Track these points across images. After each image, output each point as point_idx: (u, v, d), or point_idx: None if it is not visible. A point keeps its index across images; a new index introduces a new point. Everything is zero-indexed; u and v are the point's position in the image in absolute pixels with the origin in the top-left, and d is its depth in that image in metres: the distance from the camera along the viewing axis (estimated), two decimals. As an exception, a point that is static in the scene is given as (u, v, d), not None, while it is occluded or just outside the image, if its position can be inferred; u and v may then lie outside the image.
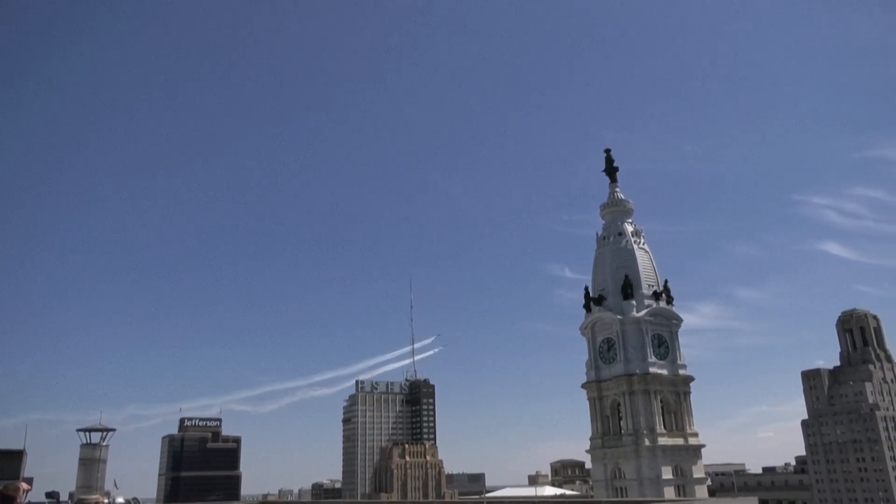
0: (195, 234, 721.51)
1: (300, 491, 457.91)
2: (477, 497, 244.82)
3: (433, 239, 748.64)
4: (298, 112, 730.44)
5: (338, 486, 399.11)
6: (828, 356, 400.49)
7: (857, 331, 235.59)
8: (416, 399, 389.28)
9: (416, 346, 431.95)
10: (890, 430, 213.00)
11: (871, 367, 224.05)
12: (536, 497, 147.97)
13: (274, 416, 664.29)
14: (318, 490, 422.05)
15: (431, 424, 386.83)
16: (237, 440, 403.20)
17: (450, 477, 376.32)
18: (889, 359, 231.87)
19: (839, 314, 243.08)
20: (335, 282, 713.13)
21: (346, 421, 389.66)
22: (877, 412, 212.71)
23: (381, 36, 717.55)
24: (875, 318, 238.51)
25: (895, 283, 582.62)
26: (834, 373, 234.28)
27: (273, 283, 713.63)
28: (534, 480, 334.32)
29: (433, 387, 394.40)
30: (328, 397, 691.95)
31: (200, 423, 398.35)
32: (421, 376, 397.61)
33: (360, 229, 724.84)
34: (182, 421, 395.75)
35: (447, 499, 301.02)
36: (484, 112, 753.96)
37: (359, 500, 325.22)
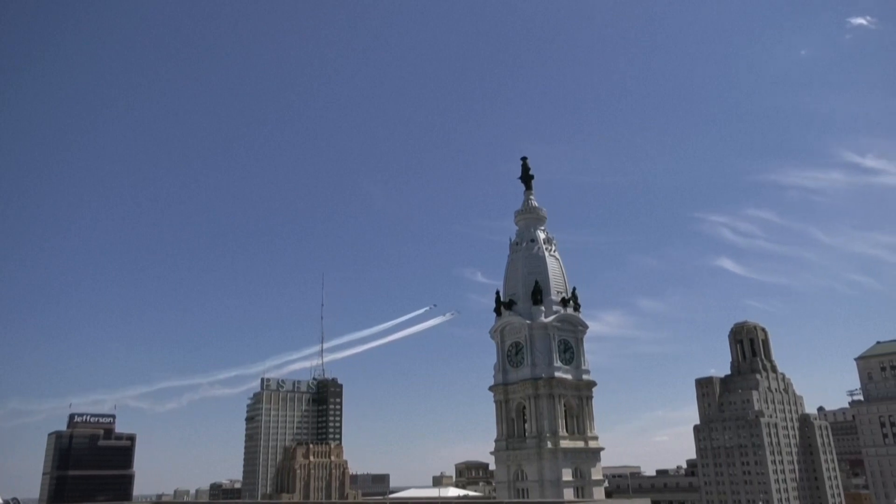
0: (91, 222, 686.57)
1: (197, 491, 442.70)
2: (380, 498, 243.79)
3: (347, 239, 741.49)
4: (210, 107, 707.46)
5: (238, 486, 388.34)
6: (720, 365, 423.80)
7: (746, 342, 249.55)
8: (323, 398, 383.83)
9: (326, 345, 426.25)
10: (772, 435, 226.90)
11: (758, 376, 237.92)
12: (439, 498, 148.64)
13: (173, 414, 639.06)
14: (217, 490, 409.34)
15: (338, 424, 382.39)
16: (132, 438, 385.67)
17: (354, 477, 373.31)
18: (774, 369, 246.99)
19: (731, 326, 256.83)
20: (243, 278, 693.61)
21: (249, 419, 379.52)
22: (761, 419, 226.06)
23: (302, 36, 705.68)
24: (763, 330, 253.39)
25: (782, 298, 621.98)
26: (725, 381, 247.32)
27: (175, 277, 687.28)
28: (438, 481, 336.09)
29: (341, 386, 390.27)
30: (232, 396, 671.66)
31: (92, 420, 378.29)
32: (329, 376, 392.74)
33: (272, 227, 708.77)
34: (71, 417, 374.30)
35: (350, 499, 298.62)
36: (401, 114, 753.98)
37: (259, 500, 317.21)
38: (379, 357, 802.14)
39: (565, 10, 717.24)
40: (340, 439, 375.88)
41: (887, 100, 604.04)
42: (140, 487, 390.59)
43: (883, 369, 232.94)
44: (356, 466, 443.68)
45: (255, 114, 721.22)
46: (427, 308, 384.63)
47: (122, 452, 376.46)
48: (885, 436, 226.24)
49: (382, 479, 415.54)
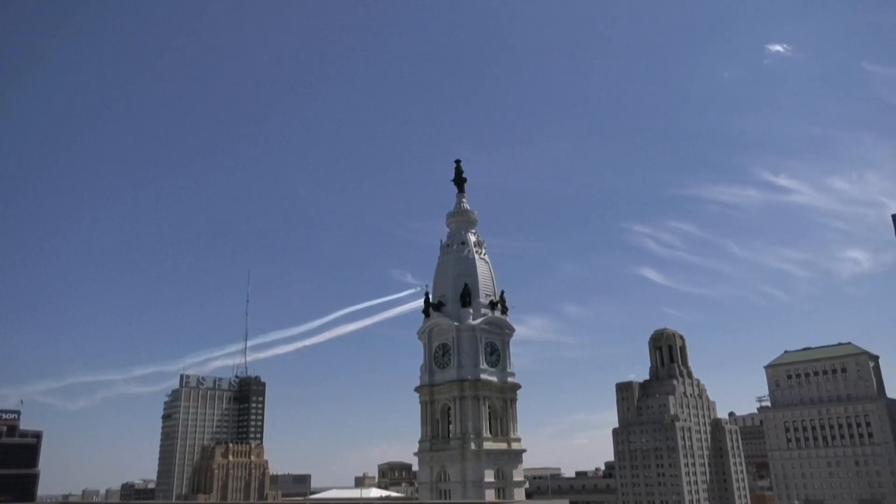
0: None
1: (108, 491, 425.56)
2: (300, 499, 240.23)
3: (275, 236, 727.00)
4: (145, 99, 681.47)
5: (151, 486, 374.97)
6: (640, 370, 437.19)
7: (665, 348, 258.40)
8: (245, 397, 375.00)
9: (252, 343, 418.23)
10: (686, 439, 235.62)
11: (674, 381, 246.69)
12: (361, 499, 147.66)
13: (86, 412, 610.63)
14: (129, 490, 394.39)
15: (259, 424, 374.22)
16: (38, 435, 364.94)
17: (274, 478, 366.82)
18: (690, 375, 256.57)
19: (652, 333, 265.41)
20: (163, 271, 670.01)
21: (166, 417, 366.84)
22: (676, 423, 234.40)
23: (231, 32, 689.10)
24: (681, 337, 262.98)
25: (699, 307, 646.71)
26: (644, 386, 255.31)
27: (89, 266, 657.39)
28: (360, 482, 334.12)
29: (264, 385, 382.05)
30: (150, 394, 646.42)
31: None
32: (253, 374, 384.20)
33: (198, 221, 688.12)
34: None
35: (269, 500, 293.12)
36: (334, 114, 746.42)
37: (173, 500, 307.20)
38: (305, 357, 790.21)
39: (502, 19, 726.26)
40: (262, 439, 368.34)
41: (800, 123, 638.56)
42: (46, 487, 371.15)
43: (790, 377, 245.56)
44: (277, 467, 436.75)
45: (189, 107, 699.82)
46: (417, 288, 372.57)
47: (27, 450, 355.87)
48: (788, 440, 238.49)
49: (304, 480, 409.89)
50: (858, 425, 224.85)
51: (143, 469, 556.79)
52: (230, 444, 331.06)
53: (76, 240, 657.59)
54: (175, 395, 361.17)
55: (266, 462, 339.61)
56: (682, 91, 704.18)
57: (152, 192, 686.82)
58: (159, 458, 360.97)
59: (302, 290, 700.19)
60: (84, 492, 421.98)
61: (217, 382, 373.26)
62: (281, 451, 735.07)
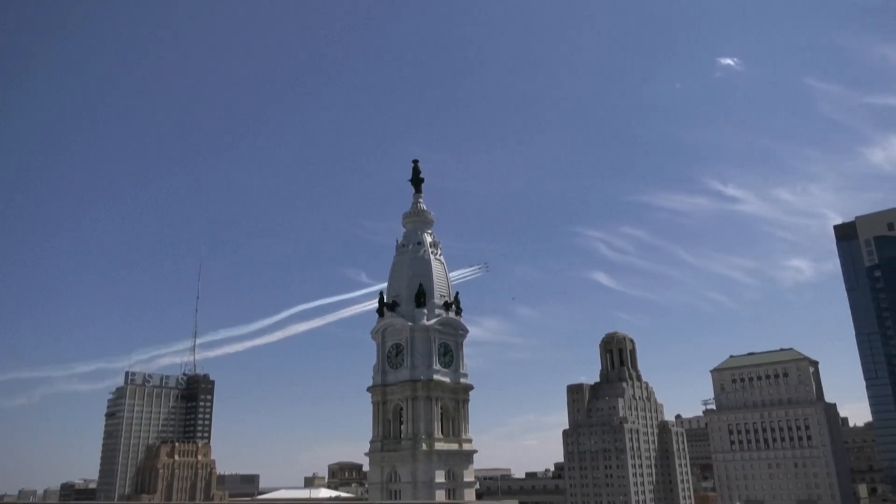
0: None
1: (46, 491, 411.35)
2: (248, 499, 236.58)
3: (227, 233, 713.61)
4: (88, 90, 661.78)
5: (93, 486, 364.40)
6: (590, 373, 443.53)
7: (615, 351, 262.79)
8: (193, 395, 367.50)
9: (202, 340, 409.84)
10: (634, 440, 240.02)
11: (624, 384, 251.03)
12: (310, 499, 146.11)
13: (24, 410, 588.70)
14: (69, 490, 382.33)
15: (207, 422, 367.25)
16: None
17: (222, 478, 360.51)
18: (639, 378, 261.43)
19: (602, 336, 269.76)
20: (108, 265, 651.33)
21: (109, 415, 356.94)
22: (625, 425, 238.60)
23: (179, 25, 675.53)
24: (631, 341, 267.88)
25: (648, 312, 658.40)
26: (594, 388, 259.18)
27: (28, 258, 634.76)
28: (310, 482, 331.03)
29: (213, 383, 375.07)
30: (93, 392, 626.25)
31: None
32: (202, 372, 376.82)
33: (146, 214, 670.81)
34: None
35: (215, 500, 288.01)
36: (290, 110, 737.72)
37: (115, 501, 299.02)
38: (256, 356, 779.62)
39: (465, 23, 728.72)
40: (209, 438, 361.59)
41: (748, 135, 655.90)
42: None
43: (734, 381, 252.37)
44: (225, 467, 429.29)
45: (137, 101, 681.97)
46: (479, 266, 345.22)
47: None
48: (732, 442, 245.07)
49: (252, 480, 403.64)
50: (798, 428, 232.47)
51: (85, 469, 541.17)
52: (176, 444, 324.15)
53: (20, 232, 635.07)
54: (120, 393, 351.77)
55: (213, 462, 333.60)
56: (635, 100, 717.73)
57: (99, 185, 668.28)
58: (102, 458, 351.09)
59: (254, 288, 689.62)
60: (20, 492, 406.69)
61: (164, 380, 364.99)
62: (229, 451, 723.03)
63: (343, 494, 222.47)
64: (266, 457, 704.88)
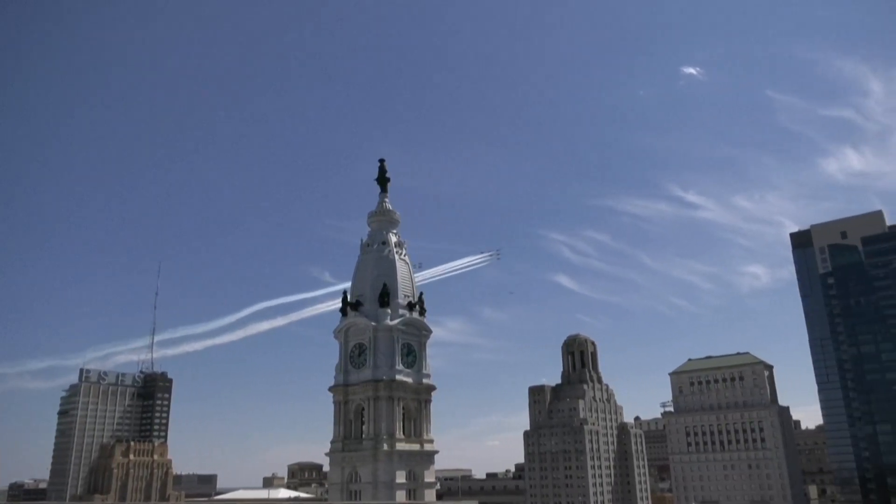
0: None
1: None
2: (204, 499, 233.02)
3: (188, 229, 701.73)
4: (33, 82, 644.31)
5: (43, 486, 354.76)
6: (552, 374, 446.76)
7: (577, 353, 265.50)
8: (150, 393, 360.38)
9: (162, 338, 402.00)
10: (594, 442, 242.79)
11: (585, 386, 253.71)
12: (268, 499, 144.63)
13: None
14: (17, 490, 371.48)
15: (164, 421, 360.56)
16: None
17: (178, 478, 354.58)
18: (600, 380, 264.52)
19: (565, 338, 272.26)
20: (68, 261, 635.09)
21: (62, 413, 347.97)
22: (585, 426, 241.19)
23: (130, 18, 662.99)
24: (593, 343, 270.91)
25: (609, 315, 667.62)
26: (556, 389, 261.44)
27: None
28: (269, 482, 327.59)
29: (171, 381, 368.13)
30: (46, 390, 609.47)
31: None
32: (160, 370, 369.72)
33: (104, 211, 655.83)
34: None
35: (171, 501, 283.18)
36: (255, 105, 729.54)
37: (66, 502, 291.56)
38: (216, 354, 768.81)
39: (434, 25, 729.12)
40: (166, 437, 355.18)
41: (709, 143, 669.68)
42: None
43: (692, 384, 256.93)
44: (182, 467, 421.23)
45: (98, 94, 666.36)
46: (491, 253, 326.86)
47: None
48: (689, 444, 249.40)
49: (209, 480, 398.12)
50: (752, 431, 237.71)
51: (35, 468, 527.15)
52: (132, 443, 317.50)
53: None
54: (73, 391, 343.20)
55: (170, 461, 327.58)
56: (600, 106, 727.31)
57: (56, 179, 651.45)
58: (53, 457, 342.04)
59: (215, 286, 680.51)
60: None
61: (120, 378, 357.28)
62: (187, 451, 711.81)
63: (302, 495, 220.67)
64: (225, 457, 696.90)
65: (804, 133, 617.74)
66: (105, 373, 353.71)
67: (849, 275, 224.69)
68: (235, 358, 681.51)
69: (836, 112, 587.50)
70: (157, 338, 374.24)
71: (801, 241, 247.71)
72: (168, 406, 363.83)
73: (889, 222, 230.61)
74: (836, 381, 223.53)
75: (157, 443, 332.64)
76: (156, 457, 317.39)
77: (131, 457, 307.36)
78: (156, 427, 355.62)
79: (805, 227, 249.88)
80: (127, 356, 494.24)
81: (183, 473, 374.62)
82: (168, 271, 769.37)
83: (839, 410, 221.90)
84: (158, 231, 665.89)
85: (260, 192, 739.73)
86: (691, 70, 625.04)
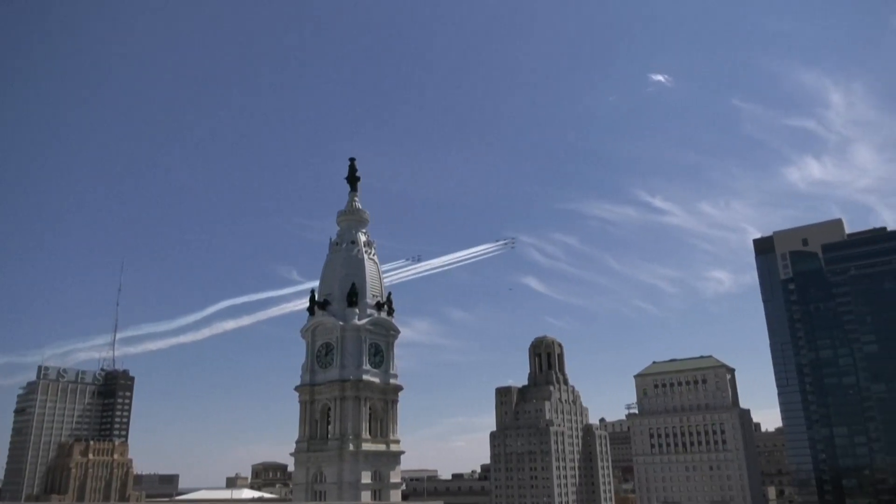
0: None
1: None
2: (165, 500, 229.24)
3: (155, 226, 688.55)
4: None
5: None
6: (519, 376, 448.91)
7: (544, 355, 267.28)
8: (111, 391, 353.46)
9: (126, 335, 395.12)
10: (559, 443, 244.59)
11: (551, 387, 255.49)
12: (231, 499, 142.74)
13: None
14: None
15: (125, 420, 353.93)
16: None
17: (139, 477, 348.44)
18: (566, 381, 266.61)
19: (532, 340, 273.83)
20: (28, 255, 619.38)
21: (19, 412, 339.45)
22: (551, 427, 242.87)
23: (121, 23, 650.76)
24: (560, 345, 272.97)
25: (577, 317, 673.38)
26: (522, 391, 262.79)
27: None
28: (232, 483, 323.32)
29: (133, 379, 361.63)
30: (2, 386, 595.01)
31: None
32: (122, 367, 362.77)
33: (66, 208, 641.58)
34: None
35: (131, 501, 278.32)
36: (222, 103, 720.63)
37: (22, 502, 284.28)
38: (180, 352, 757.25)
39: (405, 27, 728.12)
40: (127, 437, 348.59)
41: (677, 150, 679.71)
42: None
43: (656, 386, 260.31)
44: (144, 466, 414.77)
45: (64, 88, 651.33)
46: (505, 241, 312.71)
47: None
48: (652, 446, 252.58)
49: (171, 480, 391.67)
50: (714, 433, 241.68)
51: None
52: (91, 442, 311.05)
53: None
54: (31, 388, 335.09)
55: (130, 461, 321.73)
56: (570, 111, 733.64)
57: (18, 172, 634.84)
58: (9, 456, 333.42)
59: (181, 283, 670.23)
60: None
61: (80, 375, 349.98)
62: (149, 451, 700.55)
63: (266, 495, 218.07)
64: (188, 457, 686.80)
65: (768, 142, 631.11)
66: (65, 370, 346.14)
67: (809, 281, 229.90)
68: (200, 356, 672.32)
69: (799, 122, 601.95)
70: (119, 335, 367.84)
71: (763, 248, 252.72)
72: (129, 405, 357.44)
73: (848, 230, 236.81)
74: (795, 384, 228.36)
75: (117, 442, 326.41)
76: (116, 456, 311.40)
77: (90, 456, 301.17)
78: (116, 426, 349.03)
79: (768, 233, 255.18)
80: (88, 353, 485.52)
81: (144, 473, 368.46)
82: (132, 267, 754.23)
83: (798, 413, 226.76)
84: (122, 226, 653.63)
85: (229, 188, 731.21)
86: (660, 77, 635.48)
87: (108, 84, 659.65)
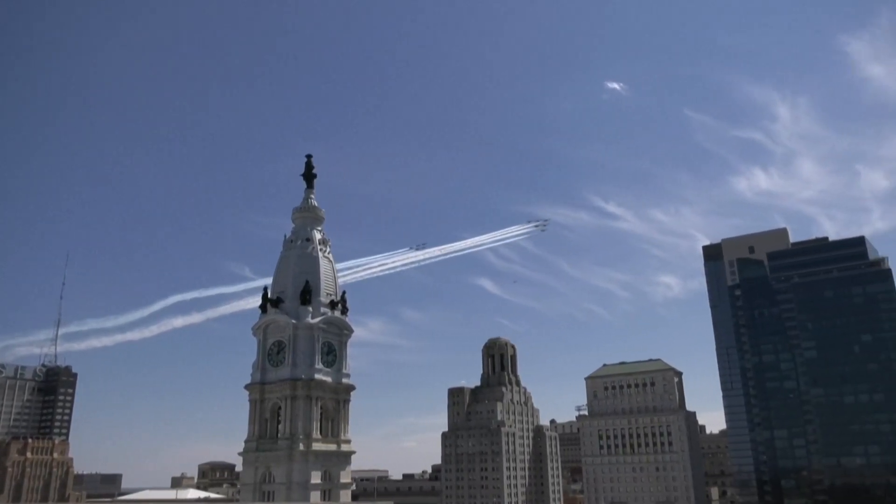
0: None
1: None
2: (107, 500, 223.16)
3: (101, 217, 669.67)
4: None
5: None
6: (472, 376, 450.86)
7: (497, 356, 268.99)
8: (52, 388, 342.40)
9: (69, 330, 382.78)
10: (510, 444, 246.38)
11: (503, 388, 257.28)
12: (175, 500, 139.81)
13: None
14: None
15: (66, 418, 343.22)
16: None
17: (80, 477, 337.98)
18: (518, 383, 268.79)
19: (485, 341, 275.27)
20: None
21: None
22: (502, 428, 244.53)
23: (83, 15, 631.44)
24: (512, 346, 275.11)
25: (529, 320, 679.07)
26: (474, 392, 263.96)
27: None
28: (178, 482, 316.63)
29: (75, 376, 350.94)
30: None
31: None
32: (63, 363, 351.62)
33: (7, 198, 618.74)
34: None
35: (70, 501, 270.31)
36: (177, 99, 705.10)
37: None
38: (125, 348, 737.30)
39: (365, 26, 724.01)
40: (68, 435, 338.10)
41: (630, 157, 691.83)
42: None
43: (606, 389, 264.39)
44: (86, 466, 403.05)
45: (14, 73, 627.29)
46: (537, 223, 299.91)
47: None
48: (601, 447, 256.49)
49: (113, 480, 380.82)
50: (661, 434, 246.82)
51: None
52: (29, 440, 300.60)
53: None
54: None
55: (70, 460, 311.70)
56: (527, 115, 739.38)
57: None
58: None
59: (129, 278, 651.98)
60: None
61: (19, 371, 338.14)
62: (92, 450, 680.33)
63: (213, 495, 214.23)
64: (132, 456, 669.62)
65: (717, 152, 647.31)
66: (3, 365, 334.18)
67: (754, 287, 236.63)
68: (148, 353, 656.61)
69: (747, 134, 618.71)
70: (62, 330, 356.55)
71: (712, 254, 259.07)
72: (71, 402, 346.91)
73: (792, 240, 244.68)
74: (739, 387, 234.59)
75: (57, 440, 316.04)
76: (56, 455, 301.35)
77: (28, 455, 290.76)
78: (57, 424, 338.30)
79: (716, 241, 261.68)
80: (28, 349, 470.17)
81: (85, 473, 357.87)
82: (77, 260, 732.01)
83: (741, 416, 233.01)
84: (67, 218, 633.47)
85: (180, 182, 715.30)
86: (615, 85, 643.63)
87: (55, 76, 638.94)
